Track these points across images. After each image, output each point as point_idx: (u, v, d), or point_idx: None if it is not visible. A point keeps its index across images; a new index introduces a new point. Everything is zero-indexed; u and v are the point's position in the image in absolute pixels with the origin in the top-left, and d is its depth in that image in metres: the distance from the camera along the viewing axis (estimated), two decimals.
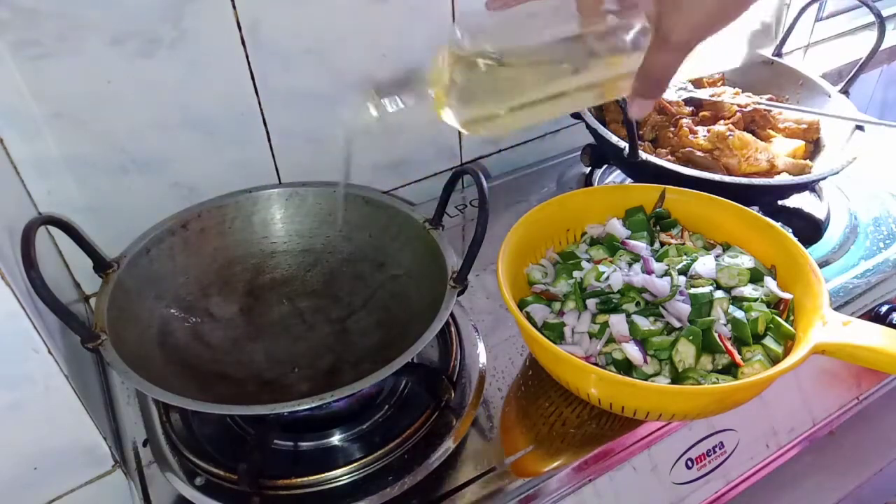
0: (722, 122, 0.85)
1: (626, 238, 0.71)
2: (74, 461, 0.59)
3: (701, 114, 0.89)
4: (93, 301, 0.75)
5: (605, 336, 0.61)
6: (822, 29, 1.33)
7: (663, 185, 0.73)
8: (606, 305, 0.63)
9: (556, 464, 0.60)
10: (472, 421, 0.62)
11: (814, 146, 0.87)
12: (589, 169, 0.95)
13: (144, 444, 0.62)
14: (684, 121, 0.85)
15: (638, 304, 0.63)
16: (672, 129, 0.86)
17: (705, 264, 0.65)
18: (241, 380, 0.62)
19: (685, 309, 0.61)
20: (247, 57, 0.71)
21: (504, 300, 0.60)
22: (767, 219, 0.69)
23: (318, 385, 0.62)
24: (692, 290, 0.63)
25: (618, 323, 0.61)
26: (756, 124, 0.87)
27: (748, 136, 0.82)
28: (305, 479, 0.56)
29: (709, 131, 0.83)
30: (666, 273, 0.65)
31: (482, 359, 0.68)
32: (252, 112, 0.75)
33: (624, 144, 0.78)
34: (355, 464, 0.57)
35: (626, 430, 0.63)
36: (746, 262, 0.66)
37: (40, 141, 0.65)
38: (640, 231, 0.71)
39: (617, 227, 0.71)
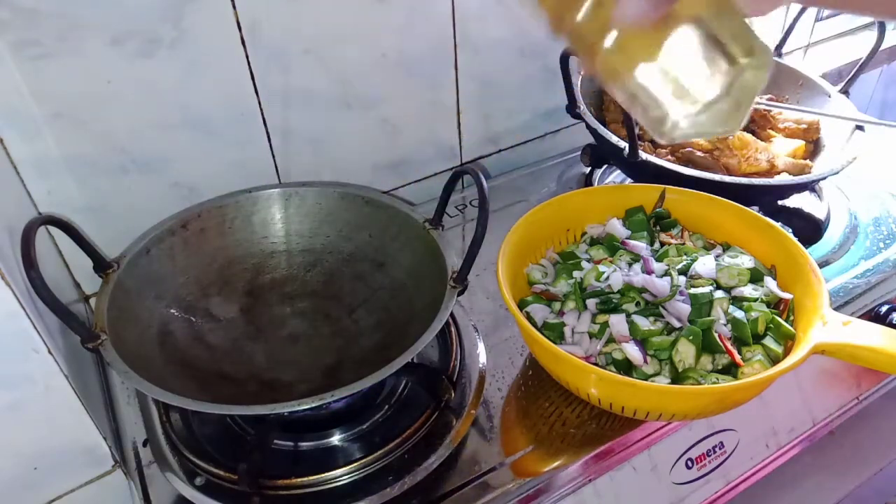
0: None
1: (626, 238, 0.71)
2: (74, 461, 0.59)
3: None
4: (93, 301, 0.75)
5: (605, 336, 0.61)
6: (821, 29, 1.33)
7: (663, 185, 0.73)
8: (606, 305, 0.63)
9: (556, 464, 0.60)
10: (472, 421, 0.62)
11: (814, 146, 0.87)
12: (589, 169, 0.95)
13: (144, 444, 0.62)
14: None
15: (638, 304, 0.63)
16: None
17: (705, 264, 0.65)
18: (241, 380, 0.62)
19: (685, 309, 0.61)
20: (247, 57, 0.71)
21: (504, 300, 0.60)
22: (767, 219, 0.69)
23: (318, 385, 0.62)
24: (692, 290, 0.63)
25: (618, 323, 0.61)
26: (756, 124, 0.88)
27: (748, 136, 0.82)
28: (305, 479, 0.56)
29: None
30: (666, 273, 0.65)
31: (482, 359, 0.68)
32: (252, 112, 0.75)
33: (624, 144, 0.78)
34: (355, 464, 0.57)
35: (626, 430, 0.63)
36: (746, 262, 0.66)
37: (40, 141, 0.65)
38: (640, 231, 0.71)
39: (617, 227, 0.71)
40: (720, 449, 0.68)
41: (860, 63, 0.88)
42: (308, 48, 0.74)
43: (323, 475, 0.56)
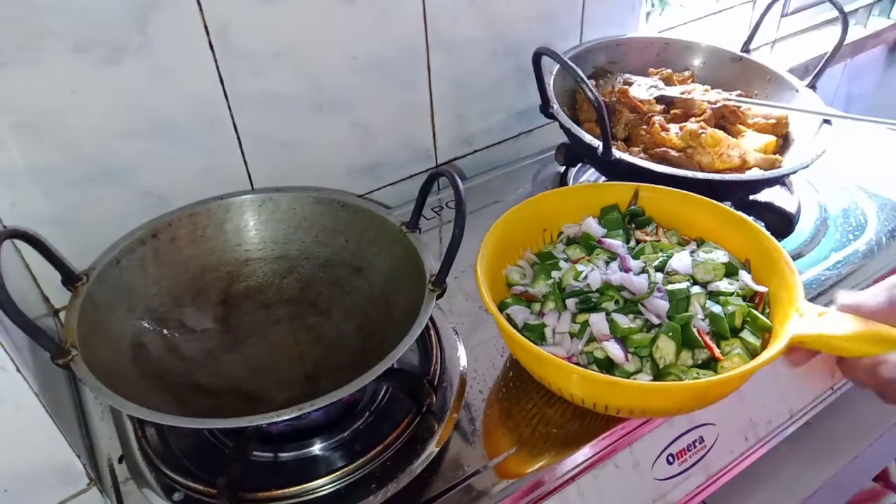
0: (693, 119, 0.86)
1: (603, 237, 0.71)
2: (48, 481, 0.57)
3: (672, 111, 0.89)
4: (63, 315, 0.73)
5: (585, 335, 0.61)
6: (787, 25, 1.36)
7: (637, 184, 0.74)
8: (586, 305, 0.64)
9: (539, 464, 0.60)
10: (454, 425, 0.62)
11: (783, 141, 0.88)
12: (563, 168, 0.95)
13: (120, 461, 0.61)
14: (656, 118, 0.86)
15: (617, 302, 0.63)
16: (644, 126, 0.86)
17: (681, 260, 0.66)
18: (217, 391, 0.61)
19: (663, 305, 0.62)
20: (215, 61, 0.70)
21: (484, 303, 0.60)
22: (740, 213, 0.69)
23: (297, 394, 0.61)
24: (669, 287, 0.63)
25: (598, 322, 0.61)
26: (726, 120, 0.88)
27: (720, 134, 0.82)
28: (287, 490, 0.55)
29: (681, 129, 0.84)
30: (643, 270, 0.66)
31: (463, 361, 0.67)
32: (221, 117, 0.74)
33: (597, 143, 0.78)
34: (337, 473, 0.56)
35: (608, 428, 0.63)
36: (721, 256, 0.67)
37: (4, 152, 0.63)
38: (615, 229, 0.71)
39: (593, 226, 0.72)
40: (700, 443, 0.69)
41: (826, 57, 0.90)
42: (278, 51, 0.73)
43: (304, 486, 0.55)
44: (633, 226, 0.73)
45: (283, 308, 0.70)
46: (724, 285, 0.64)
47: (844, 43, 0.89)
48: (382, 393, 0.64)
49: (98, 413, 0.66)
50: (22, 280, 0.68)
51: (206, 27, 0.67)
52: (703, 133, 0.81)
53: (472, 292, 0.76)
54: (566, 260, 0.70)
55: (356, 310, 0.68)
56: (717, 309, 0.62)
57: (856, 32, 1.46)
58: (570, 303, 0.64)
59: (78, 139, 0.67)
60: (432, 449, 0.59)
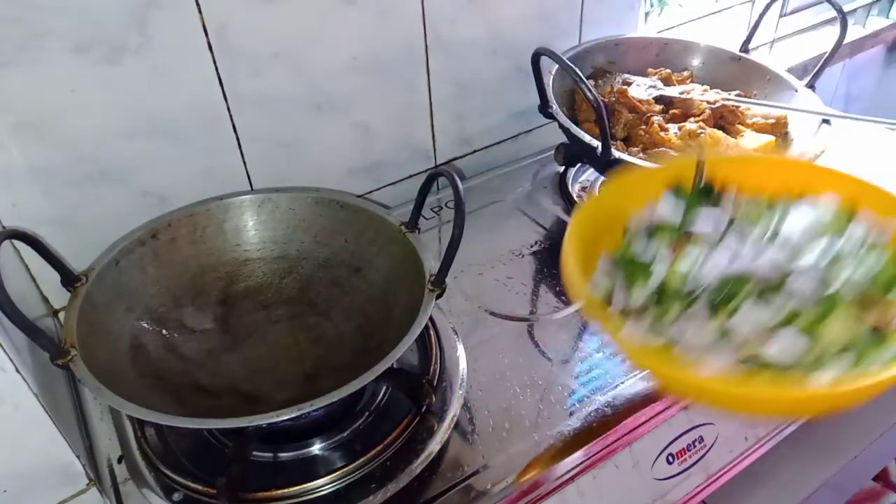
0: (692, 119, 0.86)
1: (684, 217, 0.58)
2: (46, 481, 0.57)
3: (671, 111, 0.89)
4: (62, 316, 0.73)
5: (731, 341, 0.50)
6: (786, 25, 1.36)
7: (698, 157, 0.61)
8: (715, 305, 0.52)
9: (539, 464, 0.60)
10: (453, 425, 0.62)
11: (782, 140, 0.88)
12: (563, 168, 0.95)
13: (119, 461, 0.61)
14: (655, 118, 0.86)
15: (750, 292, 0.52)
16: (643, 126, 0.86)
17: (799, 220, 0.54)
18: (217, 391, 0.61)
19: (809, 281, 0.51)
20: (214, 62, 0.70)
21: (614, 341, 0.53)
22: (837, 169, 0.59)
23: (296, 394, 0.61)
24: (805, 259, 0.52)
25: (742, 321, 0.50)
26: (725, 120, 0.88)
27: (719, 134, 0.83)
28: (286, 490, 0.55)
29: (680, 129, 0.84)
30: (757, 246, 0.54)
31: (462, 361, 0.67)
32: (221, 118, 0.74)
33: (596, 143, 0.78)
34: (337, 473, 0.56)
35: (608, 428, 0.63)
36: (829, 207, 0.55)
37: (3, 152, 0.63)
38: (693, 208, 0.58)
39: (668, 208, 0.57)
40: (700, 443, 0.69)
41: (825, 57, 0.90)
42: (277, 52, 0.73)
43: (304, 486, 0.55)
44: (712, 203, 0.59)
45: (282, 308, 0.70)
46: (855, 235, 0.53)
47: (843, 43, 0.89)
48: (382, 393, 0.64)
49: (97, 413, 0.66)
50: (21, 280, 0.68)
51: (204, 28, 0.68)
52: (702, 133, 0.81)
53: (472, 292, 0.76)
54: (654, 260, 0.56)
55: (355, 310, 0.68)
56: (864, 266, 0.50)
57: (854, 32, 1.46)
58: (695, 309, 0.52)
59: (78, 139, 0.67)
60: (432, 449, 0.59)
